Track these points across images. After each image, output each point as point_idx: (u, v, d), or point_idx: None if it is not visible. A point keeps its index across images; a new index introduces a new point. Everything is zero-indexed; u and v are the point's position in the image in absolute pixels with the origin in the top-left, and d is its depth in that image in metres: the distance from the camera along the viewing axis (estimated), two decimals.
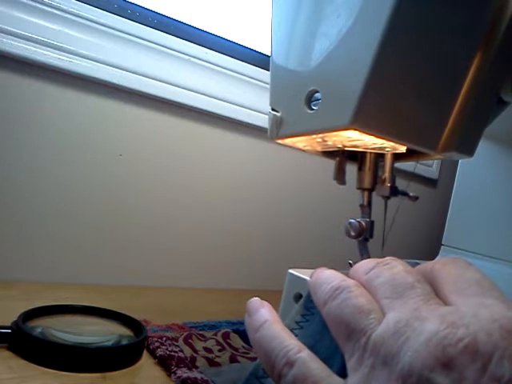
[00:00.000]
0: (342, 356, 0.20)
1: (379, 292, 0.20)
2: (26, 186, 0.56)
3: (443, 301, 0.19)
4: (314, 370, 0.19)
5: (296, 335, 0.23)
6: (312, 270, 0.26)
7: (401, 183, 0.36)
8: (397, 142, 0.30)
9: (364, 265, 0.23)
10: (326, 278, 0.23)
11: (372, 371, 0.17)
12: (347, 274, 0.24)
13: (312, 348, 0.21)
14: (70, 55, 0.55)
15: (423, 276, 0.21)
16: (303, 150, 0.37)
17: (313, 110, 0.30)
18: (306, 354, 0.20)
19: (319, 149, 0.37)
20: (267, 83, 0.36)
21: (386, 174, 0.32)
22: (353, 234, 0.35)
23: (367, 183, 0.35)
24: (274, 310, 0.24)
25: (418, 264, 0.25)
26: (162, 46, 0.63)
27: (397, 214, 0.35)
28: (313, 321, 0.24)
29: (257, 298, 0.25)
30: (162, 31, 0.63)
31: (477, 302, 0.18)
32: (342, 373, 0.19)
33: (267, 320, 0.23)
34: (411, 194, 0.31)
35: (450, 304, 0.19)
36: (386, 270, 0.21)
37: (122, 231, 0.63)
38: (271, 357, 0.21)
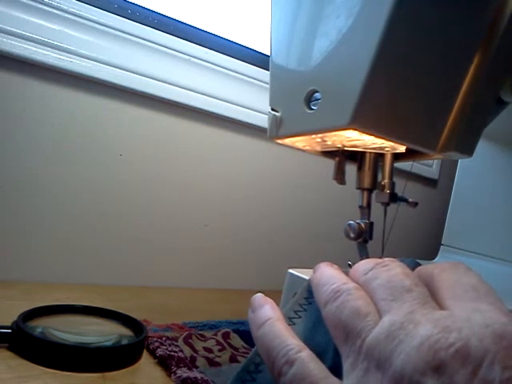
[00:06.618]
0: (333, 353, 0.21)
1: (376, 294, 0.20)
2: (25, 186, 0.56)
3: (439, 305, 0.19)
4: (312, 370, 0.19)
5: None
6: (311, 270, 0.26)
7: (400, 183, 0.36)
8: (396, 142, 0.30)
9: (363, 265, 0.23)
10: (329, 278, 0.23)
11: (366, 374, 0.18)
12: (347, 274, 0.24)
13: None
14: (70, 55, 0.55)
15: (421, 279, 0.21)
16: (303, 150, 0.37)
17: (312, 109, 0.30)
18: (306, 354, 0.20)
19: (319, 149, 0.37)
20: (267, 83, 0.36)
21: (386, 180, 0.32)
22: (352, 235, 0.35)
23: (367, 183, 0.35)
24: (277, 306, 0.25)
25: (418, 263, 0.25)
26: (162, 45, 0.63)
27: (395, 218, 0.35)
28: (304, 318, 0.24)
29: (260, 294, 0.26)
30: (161, 31, 0.63)
31: (471, 307, 0.18)
32: (332, 370, 0.20)
33: (270, 317, 0.23)
34: (410, 200, 0.31)
35: (445, 308, 0.19)
36: (383, 271, 0.21)
37: (122, 231, 0.63)
38: (272, 355, 0.21)
